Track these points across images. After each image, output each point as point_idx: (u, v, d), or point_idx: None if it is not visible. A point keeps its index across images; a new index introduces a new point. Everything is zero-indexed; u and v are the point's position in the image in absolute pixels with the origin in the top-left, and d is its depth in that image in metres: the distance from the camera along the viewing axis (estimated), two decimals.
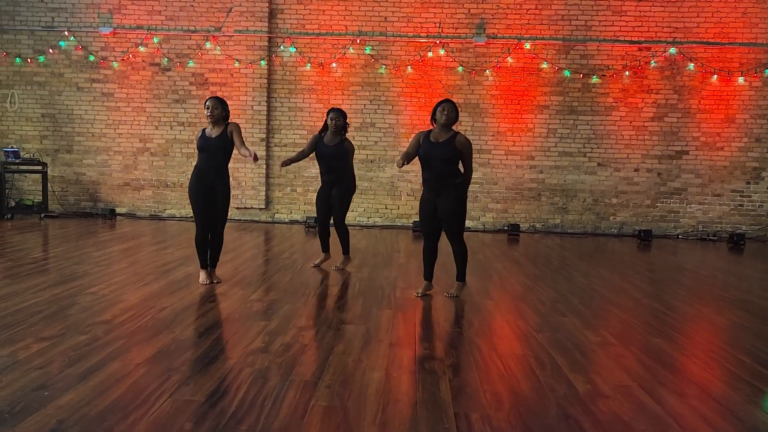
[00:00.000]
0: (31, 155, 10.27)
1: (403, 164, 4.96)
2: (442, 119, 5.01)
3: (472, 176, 5.33)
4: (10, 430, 2.48)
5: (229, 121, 5.43)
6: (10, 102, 10.48)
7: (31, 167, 9.98)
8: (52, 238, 8.10)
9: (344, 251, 6.37)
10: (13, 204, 9.98)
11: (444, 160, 5.01)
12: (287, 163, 6.10)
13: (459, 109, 5.18)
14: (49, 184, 10.15)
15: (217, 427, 2.58)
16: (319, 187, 6.41)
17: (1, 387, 2.91)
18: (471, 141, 5.45)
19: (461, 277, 5.28)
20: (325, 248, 6.45)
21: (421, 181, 5.27)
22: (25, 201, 10.18)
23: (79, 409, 2.70)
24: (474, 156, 10.25)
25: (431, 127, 5.15)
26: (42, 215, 9.90)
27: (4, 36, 10.41)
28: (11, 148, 9.82)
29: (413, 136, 5.26)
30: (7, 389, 2.89)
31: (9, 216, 9.63)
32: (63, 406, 2.72)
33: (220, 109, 5.30)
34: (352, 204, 6.62)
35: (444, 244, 5.33)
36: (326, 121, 6.21)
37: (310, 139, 6.34)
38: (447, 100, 5.08)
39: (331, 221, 6.35)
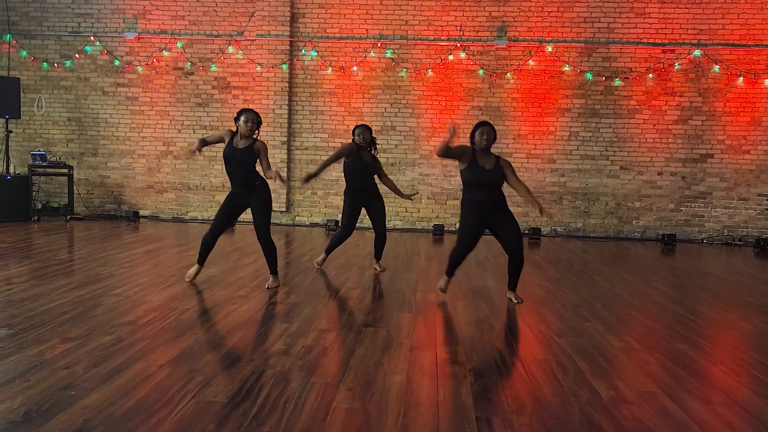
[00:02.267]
0: (58, 158, 10.45)
1: (445, 149, 4.85)
2: (482, 143, 4.99)
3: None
4: (37, 429, 2.52)
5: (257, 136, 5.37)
6: (38, 106, 10.68)
7: (58, 170, 10.16)
8: (77, 240, 8.23)
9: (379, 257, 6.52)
10: (39, 206, 10.16)
11: (496, 186, 5.03)
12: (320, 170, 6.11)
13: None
14: (74, 187, 10.31)
15: (240, 429, 2.60)
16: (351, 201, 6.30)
17: (29, 386, 2.96)
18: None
19: (516, 285, 5.31)
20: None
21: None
22: (51, 203, 10.36)
23: (104, 408, 2.74)
24: None
25: (469, 144, 5.10)
26: (68, 217, 10.06)
27: (32, 41, 10.62)
28: (38, 151, 10.01)
29: (461, 145, 5.08)
30: (35, 388, 2.94)
31: (36, 218, 9.81)
32: (89, 406, 2.76)
33: (257, 123, 5.26)
34: None
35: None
36: (354, 138, 6.15)
37: (347, 146, 6.20)
38: (486, 123, 5.05)
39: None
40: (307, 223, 10.55)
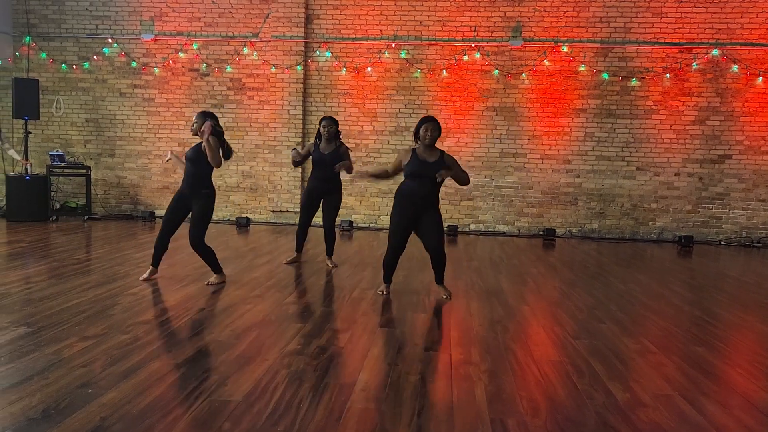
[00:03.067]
0: (76, 159, 10.57)
1: (367, 178, 5.04)
2: (426, 140, 5.02)
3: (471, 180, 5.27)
4: (55, 427, 2.55)
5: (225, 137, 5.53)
6: (56, 107, 10.81)
7: (76, 171, 10.27)
8: (94, 239, 8.31)
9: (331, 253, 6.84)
10: (58, 206, 10.28)
11: (434, 179, 5.01)
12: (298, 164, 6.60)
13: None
14: (92, 187, 10.42)
15: (254, 428, 2.61)
16: (307, 189, 6.70)
17: (47, 384, 3.00)
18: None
19: (442, 279, 5.36)
20: (300, 248, 6.90)
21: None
22: (69, 203, 10.49)
23: (121, 406, 2.77)
24: (509, 160, 10.25)
25: (415, 145, 5.18)
26: (85, 217, 10.17)
27: (51, 43, 10.75)
28: (57, 152, 10.14)
29: (397, 156, 5.33)
30: (53, 386, 2.97)
31: (54, 218, 9.92)
32: (106, 404, 2.79)
33: (200, 123, 5.32)
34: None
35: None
36: (319, 129, 6.46)
37: (308, 145, 6.69)
38: (430, 119, 5.07)
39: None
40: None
